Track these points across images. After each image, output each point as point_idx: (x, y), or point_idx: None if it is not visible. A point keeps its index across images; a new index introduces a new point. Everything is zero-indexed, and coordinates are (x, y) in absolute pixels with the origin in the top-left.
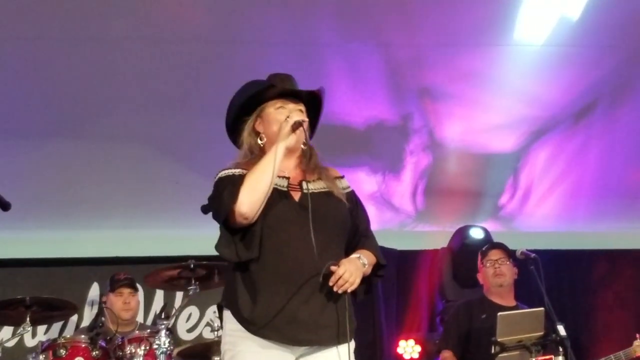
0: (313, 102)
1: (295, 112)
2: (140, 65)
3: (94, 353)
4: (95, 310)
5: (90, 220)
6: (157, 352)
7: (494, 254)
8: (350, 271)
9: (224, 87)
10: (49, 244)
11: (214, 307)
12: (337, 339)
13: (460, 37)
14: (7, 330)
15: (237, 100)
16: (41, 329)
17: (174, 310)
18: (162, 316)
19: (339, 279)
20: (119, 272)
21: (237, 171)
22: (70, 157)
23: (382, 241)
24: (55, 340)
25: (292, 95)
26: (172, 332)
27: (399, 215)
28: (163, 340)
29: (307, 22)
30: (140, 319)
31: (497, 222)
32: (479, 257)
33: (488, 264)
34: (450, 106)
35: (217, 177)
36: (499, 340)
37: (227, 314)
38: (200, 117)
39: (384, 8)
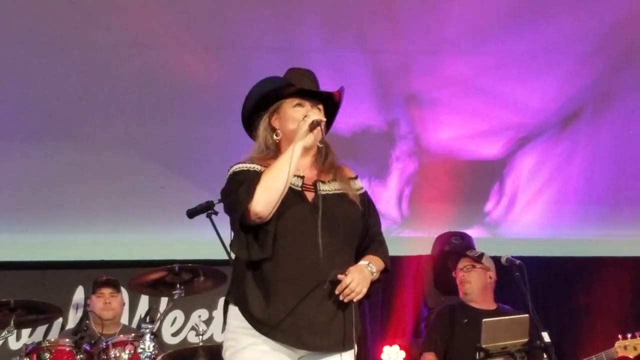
0: (330, 101)
1: (313, 111)
2: (126, 70)
3: (78, 357)
4: (80, 313)
5: (75, 223)
6: (142, 356)
7: (461, 263)
8: (358, 281)
9: (211, 93)
10: (33, 247)
11: (199, 312)
12: (342, 346)
13: (447, 44)
14: None
15: (254, 95)
16: (26, 331)
17: (158, 315)
18: (147, 320)
19: (345, 287)
20: (101, 274)
21: (251, 166)
22: (54, 161)
23: None
24: (39, 343)
25: (311, 94)
26: (156, 336)
27: (385, 221)
28: (147, 345)
29: (294, 29)
30: (125, 321)
31: (482, 228)
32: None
33: (457, 273)
34: (436, 113)
35: (230, 171)
36: (483, 346)
37: (234, 310)
38: (186, 122)
39: (370, 15)
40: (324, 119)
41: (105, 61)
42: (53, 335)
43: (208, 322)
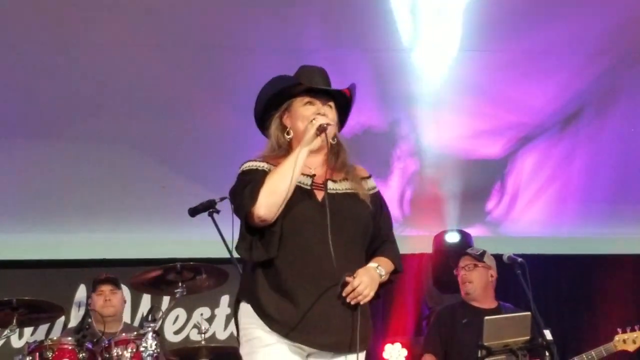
0: (342, 98)
1: (325, 108)
2: (129, 69)
3: (80, 355)
4: (82, 312)
5: (77, 222)
6: (144, 355)
7: (462, 261)
8: (366, 284)
9: (212, 92)
10: (35, 246)
11: (201, 310)
12: (352, 346)
13: (448, 43)
14: None
15: (265, 94)
16: (28, 330)
17: (160, 313)
18: (149, 319)
19: (352, 290)
20: (101, 273)
21: (260, 165)
22: (56, 159)
23: None
24: (42, 342)
25: (322, 91)
26: (158, 334)
27: None
28: (150, 343)
29: (294, 29)
30: (127, 320)
31: (484, 227)
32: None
33: (459, 272)
34: (437, 112)
35: (240, 169)
36: (485, 344)
37: (245, 307)
38: (187, 121)
39: (370, 14)
40: (332, 123)
41: (108, 61)
42: (55, 333)
43: (210, 320)
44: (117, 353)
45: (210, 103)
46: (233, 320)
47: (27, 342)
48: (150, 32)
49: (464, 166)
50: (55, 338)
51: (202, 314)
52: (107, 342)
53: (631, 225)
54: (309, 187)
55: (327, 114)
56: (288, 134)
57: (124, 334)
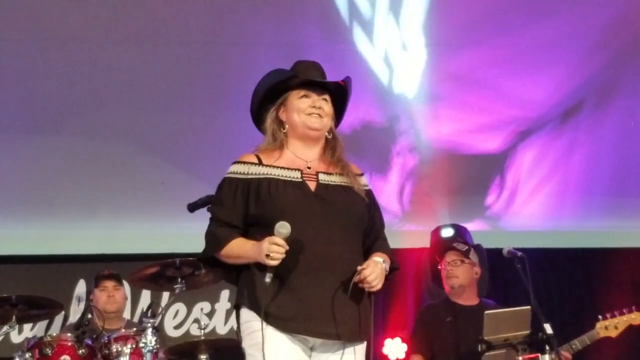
0: (338, 91)
1: (320, 101)
2: (129, 65)
3: (80, 351)
4: (81, 307)
5: (77, 217)
6: (144, 351)
7: (448, 256)
8: (376, 275)
9: (212, 88)
10: (34, 241)
11: (201, 304)
12: (356, 335)
13: (447, 38)
14: None
15: (261, 88)
16: (27, 325)
17: (160, 309)
18: (149, 314)
19: (364, 279)
20: (104, 268)
21: (239, 176)
22: (55, 154)
23: None
24: (41, 338)
25: (317, 84)
26: (158, 330)
27: (386, 215)
28: (149, 339)
29: (293, 24)
30: (127, 316)
31: (483, 221)
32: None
33: (443, 266)
34: (436, 107)
35: (228, 171)
36: (485, 338)
37: (243, 310)
38: (187, 117)
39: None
40: (274, 263)
41: (108, 56)
42: (55, 329)
43: (210, 314)
44: (117, 349)
45: (210, 99)
46: (234, 314)
47: (26, 338)
48: (151, 29)
49: (464, 161)
50: (54, 334)
51: (202, 309)
52: (106, 338)
53: (631, 218)
54: (299, 180)
55: (323, 107)
56: (284, 127)
57: (123, 330)
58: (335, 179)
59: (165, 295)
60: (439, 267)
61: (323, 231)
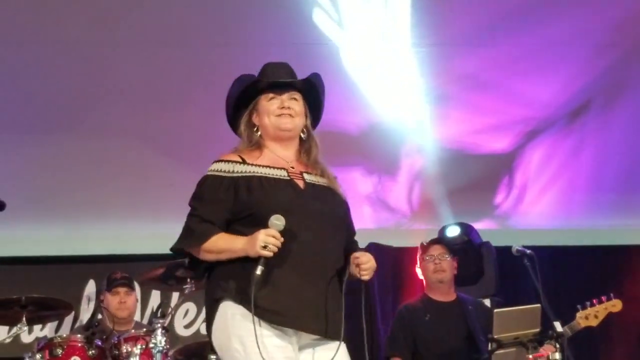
0: (310, 87)
1: (290, 101)
2: (140, 66)
3: (90, 352)
4: (91, 307)
5: (86, 218)
6: (154, 351)
7: (435, 249)
8: (371, 264)
9: (224, 89)
10: (44, 242)
11: None
12: (336, 335)
13: (455, 38)
14: (2, 329)
15: (231, 95)
16: (37, 326)
17: (169, 309)
18: (159, 315)
19: (362, 264)
20: (116, 271)
21: (223, 174)
22: (66, 154)
23: (378, 238)
24: (51, 339)
25: (284, 85)
26: (168, 330)
27: (395, 215)
28: (159, 339)
29: (304, 24)
30: (137, 317)
31: (492, 220)
32: (419, 252)
33: (427, 259)
34: (445, 108)
35: (209, 171)
36: (495, 337)
37: (225, 304)
38: (197, 118)
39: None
40: (274, 250)
41: (119, 57)
42: (64, 330)
43: None
44: (127, 350)
45: (221, 101)
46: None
47: (36, 339)
48: (163, 31)
49: (472, 161)
50: (65, 335)
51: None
52: (116, 339)
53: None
54: (287, 178)
55: (293, 106)
56: (257, 130)
57: (133, 331)
58: (319, 180)
59: (175, 296)
60: (419, 258)
61: (316, 228)
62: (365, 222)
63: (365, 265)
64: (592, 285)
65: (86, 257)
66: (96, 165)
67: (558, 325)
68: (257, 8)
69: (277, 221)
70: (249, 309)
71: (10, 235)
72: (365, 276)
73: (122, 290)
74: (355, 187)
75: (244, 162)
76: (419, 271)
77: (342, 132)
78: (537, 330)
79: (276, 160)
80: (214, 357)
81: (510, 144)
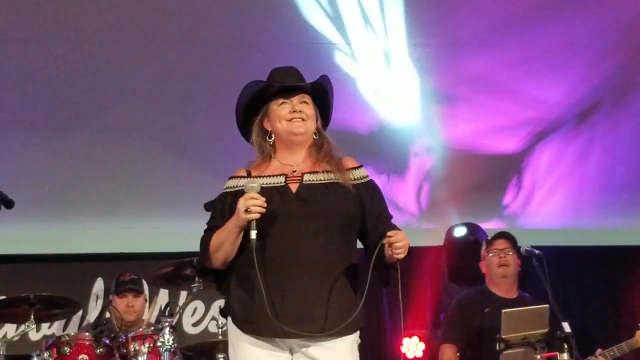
0: (319, 90)
1: (301, 105)
2: (147, 65)
3: (98, 351)
4: (99, 306)
5: (95, 215)
6: (161, 350)
7: (500, 244)
8: (405, 242)
9: (231, 88)
10: (52, 240)
11: (219, 302)
12: (332, 330)
13: (465, 40)
14: (10, 327)
15: (241, 102)
16: (45, 324)
17: (177, 308)
18: (166, 314)
19: (396, 242)
20: (125, 272)
21: (229, 189)
22: (74, 152)
23: None
24: (59, 337)
25: (294, 88)
26: (175, 329)
27: (404, 215)
28: (167, 338)
29: (313, 24)
30: (144, 315)
31: (501, 220)
32: (484, 246)
33: (492, 253)
34: (454, 108)
35: (224, 187)
36: (503, 337)
37: (229, 319)
38: (204, 117)
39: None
40: (255, 216)
41: (125, 57)
42: (73, 326)
43: None
44: (135, 348)
45: (228, 100)
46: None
47: (44, 337)
48: (171, 29)
49: (481, 161)
50: (72, 333)
51: (220, 306)
52: (124, 337)
53: None
54: (282, 184)
55: (304, 110)
56: (270, 137)
57: (140, 329)
58: (320, 177)
59: (183, 294)
60: (484, 253)
61: (299, 231)
62: None
63: (399, 243)
64: (602, 286)
65: (94, 255)
66: (105, 163)
67: (566, 326)
68: (262, 8)
69: (252, 184)
70: (232, 319)
71: (18, 234)
72: (400, 254)
73: (130, 293)
74: None
75: (248, 176)
76: (482, 266)
77: (351, 132)
78: (546, 330)
79: (279, 167)
80: (222, 356)
81: (519, 144)
